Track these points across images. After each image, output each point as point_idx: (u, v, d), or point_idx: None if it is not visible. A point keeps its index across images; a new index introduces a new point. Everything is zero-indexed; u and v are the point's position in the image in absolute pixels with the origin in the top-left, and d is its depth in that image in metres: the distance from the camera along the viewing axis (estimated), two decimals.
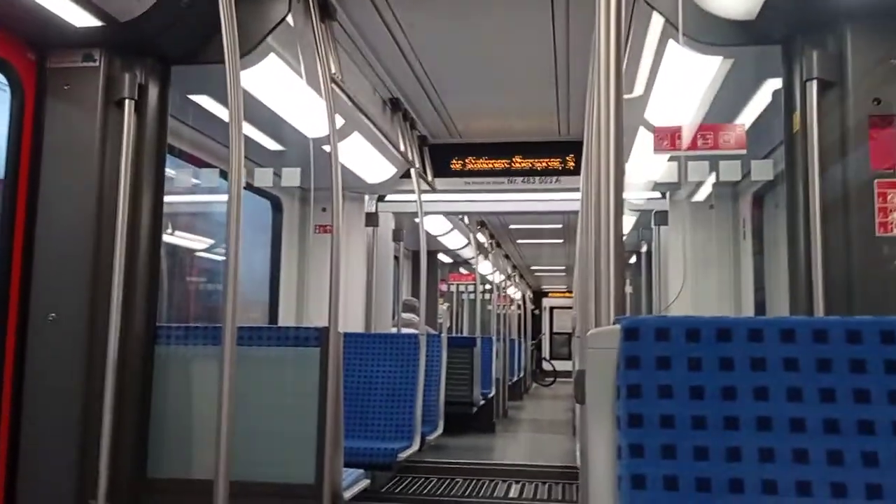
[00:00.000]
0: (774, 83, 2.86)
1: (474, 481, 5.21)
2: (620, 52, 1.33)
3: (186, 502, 2.74)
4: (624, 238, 1.25)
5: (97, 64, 2.72)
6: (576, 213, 5.24)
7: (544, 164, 5.42)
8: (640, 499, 0.98)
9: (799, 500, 0.96)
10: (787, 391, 0.99)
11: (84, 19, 2.53)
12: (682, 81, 3.12)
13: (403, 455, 4.28)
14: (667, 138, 2.66)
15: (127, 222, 2.69)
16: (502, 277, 11.62)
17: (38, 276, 2.66)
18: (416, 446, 4.48)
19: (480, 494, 4.87)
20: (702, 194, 4.71)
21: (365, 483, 3.42)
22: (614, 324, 1.09)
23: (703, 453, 0.99)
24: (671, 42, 2.82)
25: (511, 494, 4.91)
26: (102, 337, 2.63)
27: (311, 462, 2.77)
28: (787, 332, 1.01)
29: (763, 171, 2.99)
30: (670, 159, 3.18)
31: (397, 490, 4.93)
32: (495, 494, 4.89)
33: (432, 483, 5.15)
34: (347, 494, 3.10)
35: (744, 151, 2.59)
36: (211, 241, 5.48)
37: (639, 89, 3.46)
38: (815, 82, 2.34)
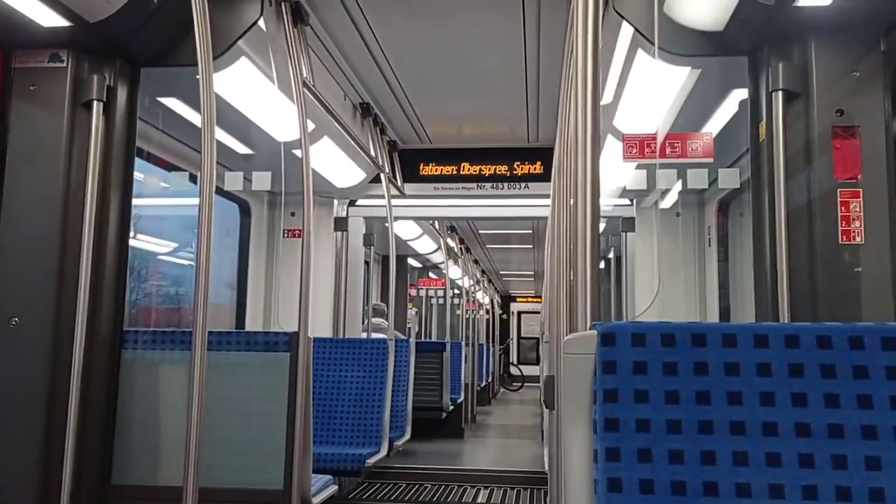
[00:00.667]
0: (741, 93, 2.92)
1: (443, 487, 5.21)
2: (597, 61, 1.35)
3: None
4: None
5: (64, 65, 2.68)
6: (544, 219, 5.28)
7: (514, 170, 5.45)
8: (615, 502, 0.99)
9: (772, 503, 0.98)
10: (760, 395, 1.02)
11: (51, 19, 2.49)
12: (650, 90, 3.17)
13: (372, 461, 4.27)
14: (636, 146, 2.69)
15: (94, 225, 2.65)
16: (471, 282, 11.64)
17: (0, 280, 2.60)
18: (384, 452, 4.47)
19: (449, 500, 4.88)
20: (668, 202, 4.78)
21: (333, 489, 3.41)
22: (591, 329, 1.11)
23: (678, 457, 1.00)
24: (640, 51, 2.86)
25: (479, 500, 4.92)
26: (67, 341, 2.58)
27: (280, 468, 2.75)
28: (760, 338, 1.03)
29: (730, 179, 3.05)
30: (638, 167, 3.23)
31: (365, 496, 4.91)
32: (464, 500, 4.90)
33: (401, 489, 5.14)
34: (316, 500, 3.08)
35: (711, 160, 2.64)
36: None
37: (607, 97, 3.50)
38: (780, 93, 2.39)
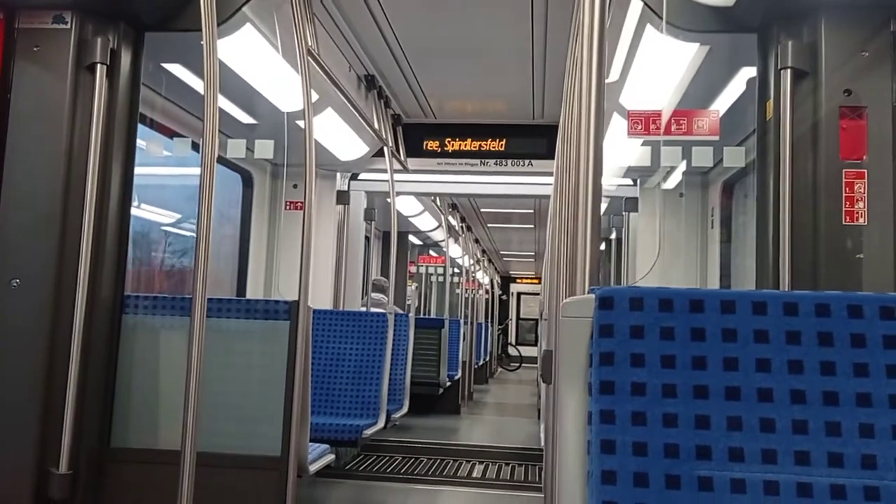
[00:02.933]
0: (749, 71, 2.90)
1: (439, 461, 5.25)
2: (603, 36, 1.34)
3: (150, 472, 2.73)
4: None
5: (68, 26, 2.66)
6: (547, 197, 5.27)
7: (517, 147, 5.43)
8: (608, 463, 1.00)
9: (764, 468, 0.98)
10: (757, 362, 1.02)
11: None
12: (657, 67, 3.15)
13: (368, 432, 4.30)
14: (641, 122, 2.68)
15: (96, 189, 2.65)
16: (471, 261, 11.65)
17: (1, 242, 2.61)
18: (381, 424, 4.50)
19: (444, 473, 4.92)
20: (672, 182, 4.77)
21: (330, 458, 3.43)
22: (589, 293, 1.11)
23: (672, 420, 1.01)
24: (648, 27, 2.84)
25: (475, 474, 4.96)
26: (68, 305, 2.59)
27: (277, 435, 2.77)
28: (758, 305, 1.03)
29: (735, 157, 3.04)
30: (643, 144, 3.21)
31: (362, 468, 4.95)
32: (459, 474, 4.94)
33: (397, 461, 5.18)
34: (313, 468, 3.10)
35: (717, 138, 2.63)
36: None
37: (614, 74, 3.48)
38: (788, 71, 2.37)
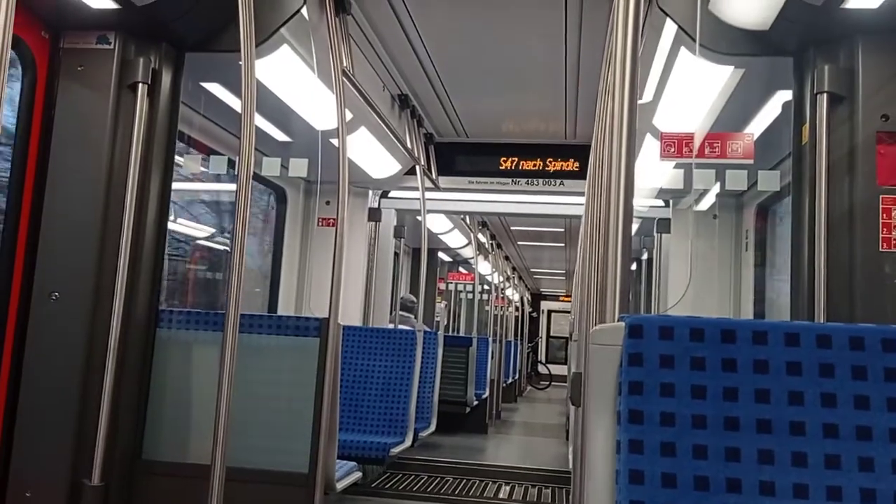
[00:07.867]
0: (784, 95, 2.88)
1: (465, 481, 5.22)
2: (636, 61, 1.34)
3: (180, 485, 2.75)
4: None
5: (111, 47, 2.73)
6: (578, 217, 5.25)
7: (549, 166, 5.43)
8: (637, 494, 0.99)
9: (795, 502, 0.97)
10: (789, 395, 1.01)
11: (100, 1, 2.54)
12: (691, 89, 3.14)
13: (395, 450, 4.29)
14: (674, 145, 2.67)
15: (134, 205, 2.70)
16: (501, 279, 11.62)
17: (42, 255, 2.67)
18: (408, 442, 4.49)
19: (471, 494, 4.89)
20: (705, 204, 4.72)
21: (357, 476, 3.43)
22: (619, 321, 1.10)
23: (702, 452, 1.00)
24: (682, 50, 2.83)
25: (501, 495, 4.92)
26: (104, 318, 2.64)
27: (305, 452, 2.79)
28: (791, 336, 1.02)
29: (770, 181, 3.01)
30: (676, 166, 3.19)
31: (388, 486, 4.94)
32: (485, 494, 4.90)
33: (423, 480, 5.16)
34: (340, 486, 3.11)
35: (751, 161, 2.61)
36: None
37: (647, 95, 3.47)
38: (825, 96, 2.35)
